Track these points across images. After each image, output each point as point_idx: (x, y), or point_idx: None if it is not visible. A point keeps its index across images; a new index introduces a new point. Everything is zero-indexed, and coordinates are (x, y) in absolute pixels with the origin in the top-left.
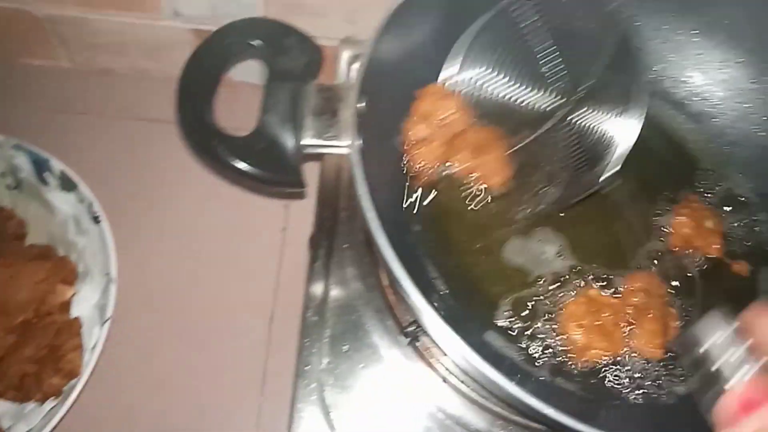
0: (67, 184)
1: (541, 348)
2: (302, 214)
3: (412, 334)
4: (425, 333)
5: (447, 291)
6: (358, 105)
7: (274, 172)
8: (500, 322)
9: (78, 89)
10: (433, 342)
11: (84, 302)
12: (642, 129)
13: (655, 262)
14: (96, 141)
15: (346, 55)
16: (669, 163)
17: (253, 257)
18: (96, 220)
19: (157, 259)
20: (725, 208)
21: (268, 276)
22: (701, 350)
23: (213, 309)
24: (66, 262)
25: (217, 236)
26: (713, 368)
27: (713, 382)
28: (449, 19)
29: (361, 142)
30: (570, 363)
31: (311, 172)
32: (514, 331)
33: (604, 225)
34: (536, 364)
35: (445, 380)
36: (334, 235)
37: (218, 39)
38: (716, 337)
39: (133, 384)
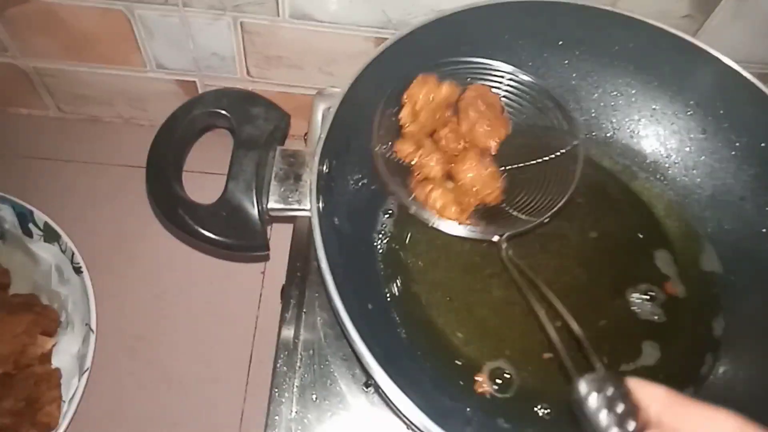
0: (51, 235)
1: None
2: (282, 257)
3: (374, 384)
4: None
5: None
6: (321, 168)
7: (238, 238)
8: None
9: (65, 137)
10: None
11: (64, 352)
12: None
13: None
14: (81, 187)
15: (320, 106)
16: (625, 211)
17: (232, 302)
18: (78, 270)
19: (137, 304)
20: None
21: (248, 320)
22: (587, 404)
23: (193, 354)
24: (49, 312)
25: (197, 283)
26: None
27: None
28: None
29: (322, 204)
30: None
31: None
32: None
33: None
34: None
35: (409, 427)
36: (305, 285)
37: (187, 109)
38: (600, 398)
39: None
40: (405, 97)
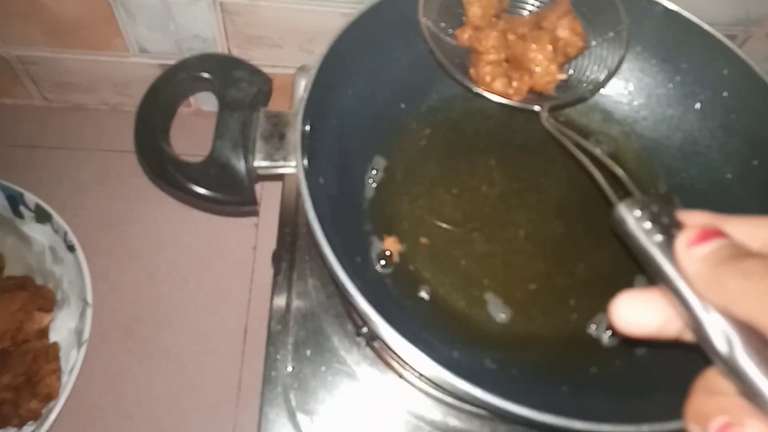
0: (42, 216)
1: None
2: (272, 232)
3: (366, 335)
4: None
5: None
6: (303, 128)
7: (227, 193)
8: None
9: (51, 125)
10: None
11: (62, 328)
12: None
13: None
14: (69, 173)
15: (301, 82)
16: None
17: (225, 276)
18: (71, 248)
19: (131, 283)
20: None
21: (241, 293)
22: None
23: (188, 328)
24: (44, 291)
25: (190, 259)
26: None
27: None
28: (386, 49)
29: (306, 162)
30: None
31: (275, 192)
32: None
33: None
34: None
35: (401, 377)
36: (295, 250)
37: (172, 74)
38: (643, 213)
39: (111, 404)
40: None
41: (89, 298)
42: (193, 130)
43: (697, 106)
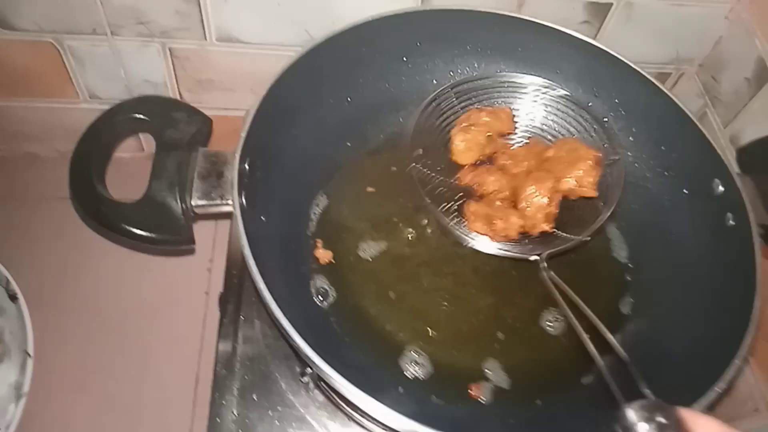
0: None
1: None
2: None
3: (311, 375)
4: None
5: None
6: (242, 165)
7: (163, 232)
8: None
9: (2, 175)
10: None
11: (1, 382)
12: None
13: None
14: (18, 223)
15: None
16: None
17: (177, 323)
18: (13, 297)
19: (78, 333)
20: None
21: (193, 340)
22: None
23: (138, 378)
24: None
25: (141, 306)
26: None
27: None
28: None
29: (244, 200)
30: None
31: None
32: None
33: None
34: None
35: (351, 418)
36: (242, 291)
37: (109, 116)
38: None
39: None
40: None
41: (30, 350)
42: (145, 174)
43: (631, 138)
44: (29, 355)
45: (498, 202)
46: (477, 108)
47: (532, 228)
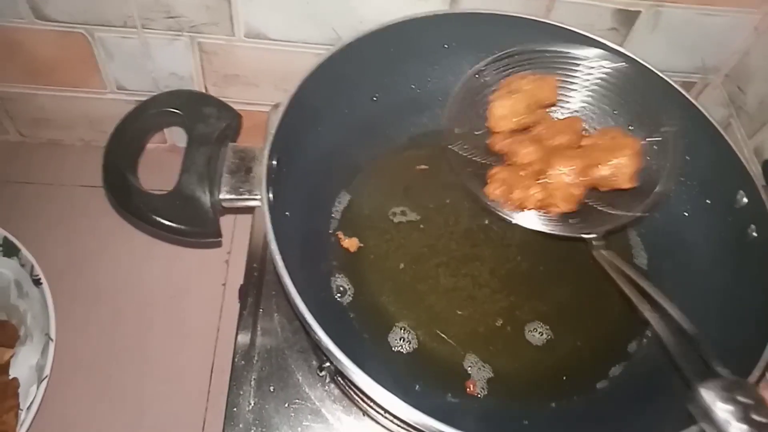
0: (9, 250)
1: None
2: (242, 269)
3: (329, 369)
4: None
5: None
6: (270, 162)
7: (191, 224)
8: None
9: (26, 161)
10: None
11: (23, 363)
12: None
13: None
14: (40, 208)
15: (275, 119)
16: None
17: (194, 314)
18: (37, 282)
19: (96, 319)
20: None
21: (209, 331)
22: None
23: (153, 367)
24: (7, 327)
25: (158, 296)
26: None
27: None
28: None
29: (271, 195)
30: None
31: (247, 228)
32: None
33: None
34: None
35: (365, 413)
36: (262, 285)
37: (142, 109)
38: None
39: None
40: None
41: (53, 334)
42: (168, 165)
43: (655, 147)
44: (51, 338)
45: (522, 173)
46: (521, 75)
47: (550, 206)
